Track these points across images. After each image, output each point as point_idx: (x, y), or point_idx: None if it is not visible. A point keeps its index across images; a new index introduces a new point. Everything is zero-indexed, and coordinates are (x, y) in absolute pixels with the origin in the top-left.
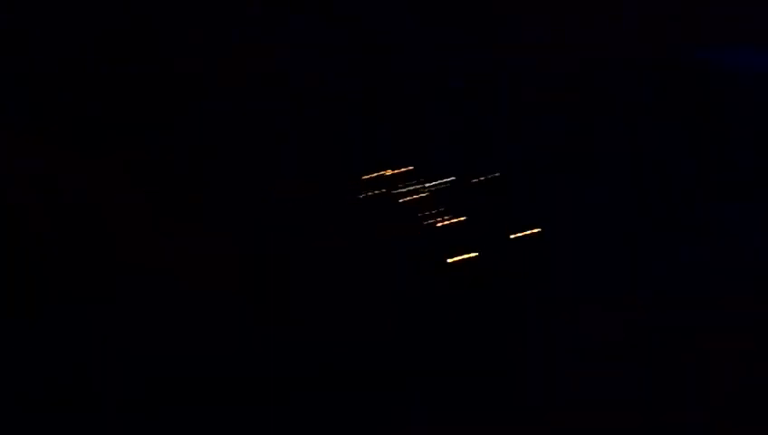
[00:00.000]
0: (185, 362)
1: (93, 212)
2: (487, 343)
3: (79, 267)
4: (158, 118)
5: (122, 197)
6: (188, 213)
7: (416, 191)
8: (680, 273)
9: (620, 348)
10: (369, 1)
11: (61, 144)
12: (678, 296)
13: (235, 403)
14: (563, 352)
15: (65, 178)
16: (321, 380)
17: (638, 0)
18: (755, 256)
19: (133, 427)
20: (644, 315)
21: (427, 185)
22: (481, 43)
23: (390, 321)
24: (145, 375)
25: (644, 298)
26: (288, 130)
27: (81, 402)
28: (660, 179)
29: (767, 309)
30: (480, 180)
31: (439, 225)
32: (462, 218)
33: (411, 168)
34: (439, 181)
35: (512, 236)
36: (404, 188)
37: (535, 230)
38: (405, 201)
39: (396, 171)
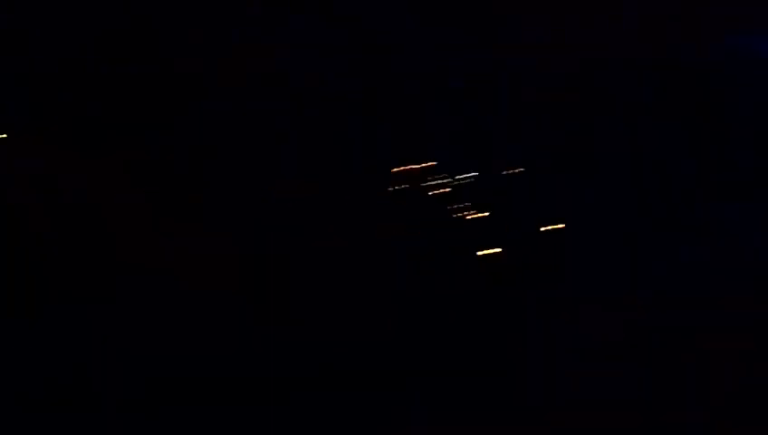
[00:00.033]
0: (185, 361)
1: (93, 212)
2: (487, 343)
3: (79, 267)
4: (158, 118)
5: (122, 197)
6: (188, 213)
7: (438, 186)
8: (680, 273)
9: (620, 348)
10: (369, 1)
11: (61, 144)
12: (678, 296)
13: (235, 403)
14: (563, 352)
15: (65, 178)
16: (321, 380)
17: (638, 0)
18: (755, 256)
19: (133, 426)
20: (644, 315)
21: (445, 181)
22: (481, 43)
23: (390, 321)
24: (145, 375)
25: (644, 298)
26: (288, 130)
27: (81, 402)
28: (660, 179)
29: (767, 309)
30: (493, 178)
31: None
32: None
33: (434, 163)
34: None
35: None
36: (427, 183)
37: (558, 226)
38: (428, 196)
39: (417, 167)
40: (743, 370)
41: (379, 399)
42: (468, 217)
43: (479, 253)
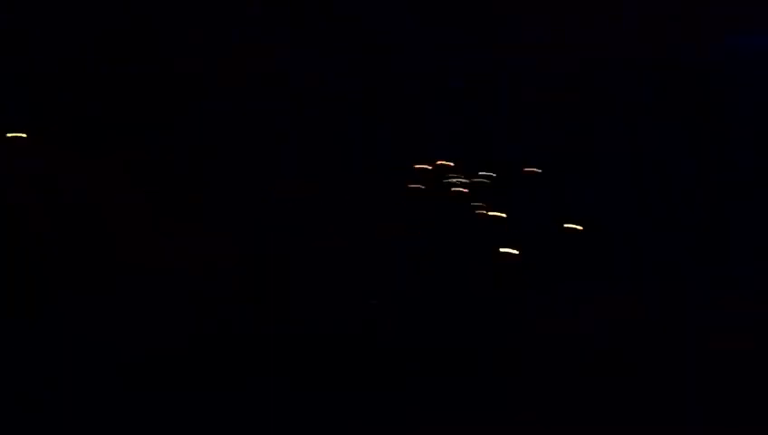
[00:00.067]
0: (184, 361)
1: (93, 212)
2: (487, 343)
3: (79, 267)
4: (158, 118)
5: (122, 197)
6: (188, 213)
7: (455, 185)
8: (680, 273)
9: (620, 348)
10: (369, 1)
11: (61, 144)
12: (679, 296)
13: (235, 403)
14: (563, 352)
15: (65, 178)
16: (322, 380)
17: (638, 0)
18: (756, 256)
19: (134, 426)
20: (644, 315)
21: (463, 180)
22: (481, 43)
23: (390, 321)
24: (145, 374)
25: (644, 298)
26: (288, 130)
27: (81, 402)
28: (660, 179)
29: (767, 309)
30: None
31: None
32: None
33: (452, 164)
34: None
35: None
36: (446, 181)
37: (578, 227)
38: (447, 194)
39: (436, 165)
40: (743, 370)
41: (379, 399)
42: (485, 217)
43: (493, 252)
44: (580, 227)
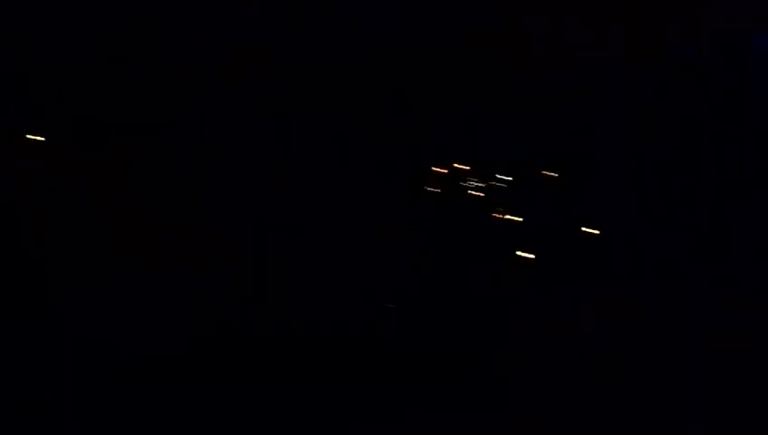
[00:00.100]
0: (184, 361)
1: (93, 212)
2: (487, 344)
3: (79, 267)
4: (158, 118)
5: (122, 197)
6: (188, 213)
7: (474, 189)
8: (680, 273)
9: (620, 348)
10: (369, 1)
11: (61, 144)
12: (679, 296)
13: (235, 403)
14: (563, 352)
15: (65, 178)
16: (322, 380)
17: (639, 0)
18: (756, 256)
19: (134, 426)
20: (644, 315)
21: (480, 184)
22: (481, 42)
23: (390, 321)
24: (145, 374)
25: (644, 298)
26: (288, 130)
27: (81, 402)
28: (660, 179)
29: (767, 309)
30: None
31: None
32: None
33: (468, 168)
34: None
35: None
36: (464, 184)
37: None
38: (465, 198)
39: (452, 169)
40: (743, 370)
41: (379, 399)
42: (502, 220)
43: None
44: (596, 232)
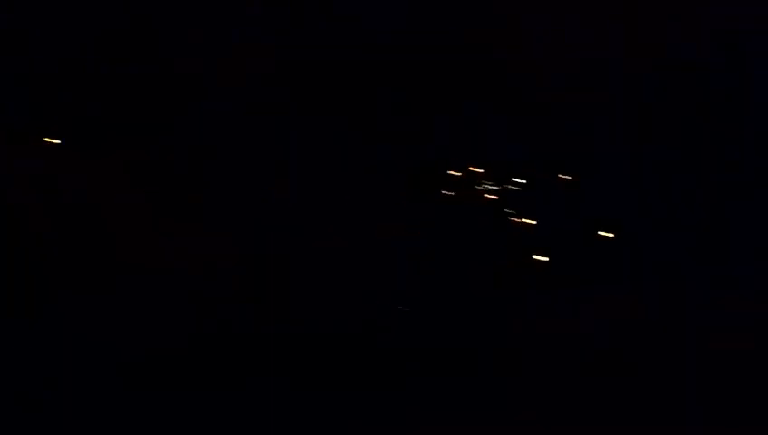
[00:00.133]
0: (184, 361)
1: (93, 212)
2: (487, 344)
3: (79, 267)
4: (158, 118)
5: (122, 197)
6: (188, 213)
7: (489, 192)
8: (680, 273)
9: (620, 348)
10: (369, 1)
11: (61, 144)
12: (679, 296)
13: (235, 403)
14: (563, 352)
15: (65, 178)
16: (322, 380)
17: (639, 0)
18: (756, 256)
19: (134, 426)
20: (644, 315)
21: (492, 187)
22: (481, 42)
23: (390, 321)
24: (145, 374)
25: (644, 298)
26: (288, 130)
27: (81, 402)
28: (660, 179)
29: (767, 309)
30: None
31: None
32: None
33: (482, 170)
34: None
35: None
36: (479, 187)
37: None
38: (480, 200)
39: (466, 171)
40: (743, 370)
41: (379, 399)
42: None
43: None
44: (611, 235)
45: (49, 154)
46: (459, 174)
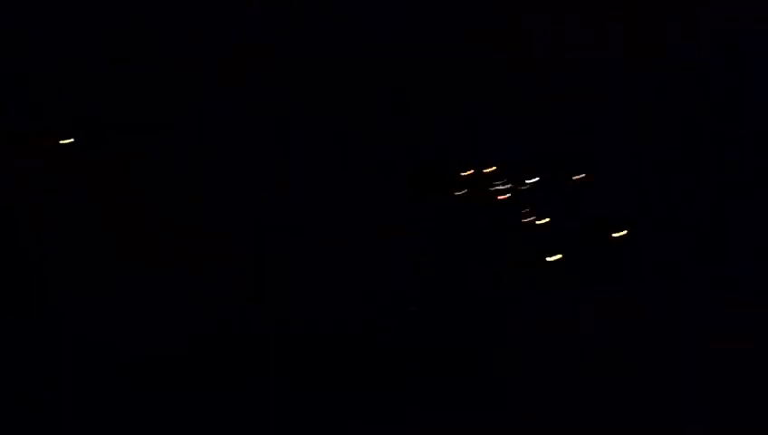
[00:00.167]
0: (184, 361)
1: (93, 212)
2: (487, 344)
3: (79, 267)
4: (158, 118)
5: (122, 197)
6: (188, 213)
7: (501, 192)
8: (680, 273)
9: (620, 348)
10: (369, 1)
11: (61, 144)
12: (679, 296)
13: (235, 403)
14: (563, 352)
15: (65, 178)
16: (322, 380)
17: (639, 0)
18: (756, 256)
19: (134, 426)
20: (644, 315)
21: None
22: (481, 42)
23: (390, 321)
24: (145, 374)
25: (644, 298)
26: (288, 130)
27: (81, 402)
28: (660, 179)
29: (767, 309)
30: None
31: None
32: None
33: (494, 168)
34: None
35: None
36: (491, 187)
37: (623, 233)
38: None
39: (478, 171)
40: (743, 370)
41: (379, 399)
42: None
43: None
44: (624, 232)
45: (49, 154)
46: (461, 174)
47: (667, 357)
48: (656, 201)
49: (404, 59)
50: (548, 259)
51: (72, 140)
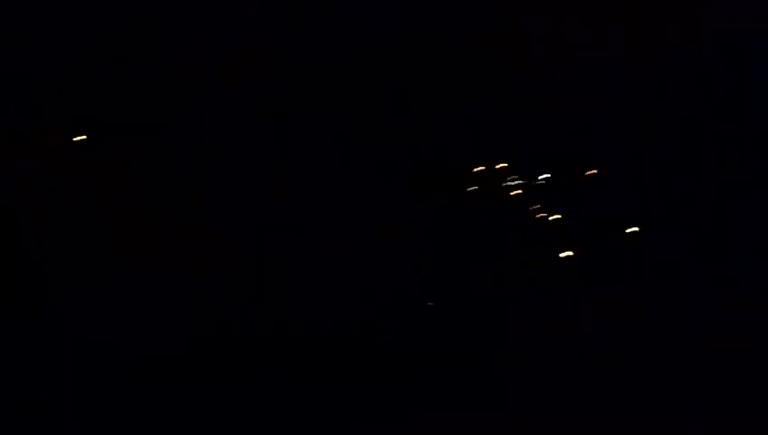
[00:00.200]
0: (184, 361)
1: (93, 212)
2: (487, 344)
3: (79, 267)
4: (158, 118)
5: (122, 197)
6: (188, 213)
7: (511, 188)
8: (680, 273)
9: (620, 348)
10: (369, 1)
11: (61, 144)
12: (679, 296)
13: (235, 403)
14: (563, 352)
15: (65, 178)
16: (322, 380)
17: (639, 0)
18: (756, 256)
19: (134, 426)
20: (644, 315)
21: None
22: (481, 42)
23: (390, 321)
24: (145, 374)
25: (644, 298)
26: (288, 130)
27: (81, 402)
28: (660, 179)
29: (767, 309)
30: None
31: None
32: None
33: (506, 165)
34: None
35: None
36: (503, 184)
37: (633, 230)
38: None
39: (488, 168)
40: (743, 370)
41: (379, 399)
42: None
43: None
44: (636, 229)
45: (49, 154)
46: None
47: (667, 357)
48: (656, 201)
49: (404, 59)
50: (561, 255)
51: (84, 137)
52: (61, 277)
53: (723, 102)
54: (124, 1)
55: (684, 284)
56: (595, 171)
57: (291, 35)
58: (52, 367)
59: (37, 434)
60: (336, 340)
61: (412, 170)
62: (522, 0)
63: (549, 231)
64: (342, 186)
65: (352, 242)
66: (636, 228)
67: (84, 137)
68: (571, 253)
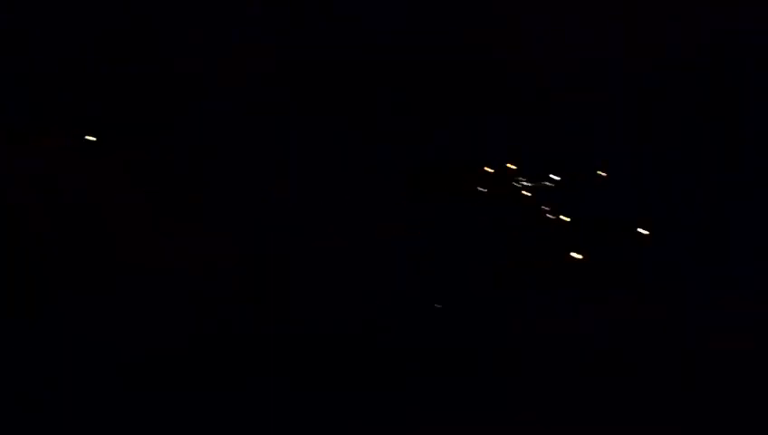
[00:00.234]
0: (184, 361)
1: (93, 212)
2: (487, 344)
3: (79, 267)
4: (158, 118)
5: (122, 197)
6: (188, 213)
7: (521, 189)
8: (680, 273)
9: (620, 348)
10: (369, 1)
11: (61, 144)
12: (679, 296)
13: (235, 403)
14: (563, 352)
15: (65, 178)
16: (322, 380)
17: (639, 0)
18: (756, 256)
19: (134, 426)
20: (644, 315)
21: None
22: (481, 42)
23: (390, 321)
24: (145, 374)
25: (644, 298)
26: (288, 130)
27: (81, 402)
28: (660, 179)
29: (767, 309)
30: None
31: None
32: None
33: (515, 167)
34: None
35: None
36: (514, 185)
37: (643, 232)
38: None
39: (497, 169)
40: (743, 370)
41: (379, 399)
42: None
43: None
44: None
45: (49, 154)
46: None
47: (667, 357)
48: (656, 201)
49: (404, 59)
50: (565, 256)
51: (84, 137)
52: (61, 277)
53: (723, 102)
54: (124, 1)
55: (684, 284)
56: (604, 174)
57: (291, 35)
58: (52, 367)
59: (37, 434)
60: (336, 340)
61: (412, 170)
62: (522, 0)
63: (549, 231)
64: (342, 186)
65: (352, 242)
66: (644, 231)
67: (84, 137)
68: (574, 254)
